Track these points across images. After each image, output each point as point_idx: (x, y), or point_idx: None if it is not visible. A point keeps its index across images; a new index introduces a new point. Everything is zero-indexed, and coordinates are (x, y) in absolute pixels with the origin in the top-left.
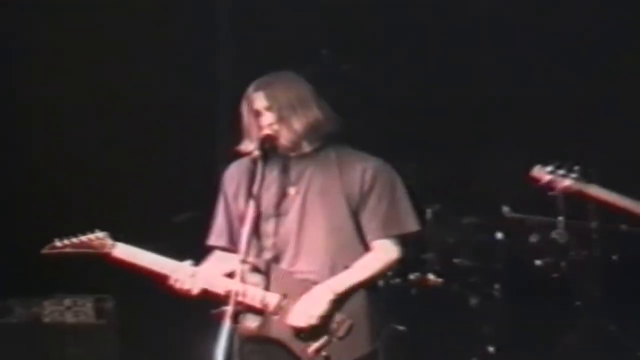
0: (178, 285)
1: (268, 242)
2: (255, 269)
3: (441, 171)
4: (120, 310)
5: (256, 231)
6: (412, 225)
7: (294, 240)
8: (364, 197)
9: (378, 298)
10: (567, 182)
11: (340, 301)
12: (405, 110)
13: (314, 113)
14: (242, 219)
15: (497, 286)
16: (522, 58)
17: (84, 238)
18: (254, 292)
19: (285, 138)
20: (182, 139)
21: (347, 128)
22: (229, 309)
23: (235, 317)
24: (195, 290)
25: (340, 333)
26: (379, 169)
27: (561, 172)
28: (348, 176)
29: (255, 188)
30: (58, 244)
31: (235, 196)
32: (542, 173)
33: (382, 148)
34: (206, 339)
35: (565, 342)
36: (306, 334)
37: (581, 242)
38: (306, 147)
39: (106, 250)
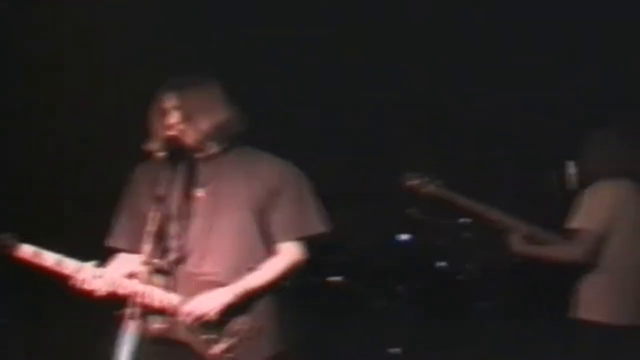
0: (84, 286)
1: (173, 243)
2: (160, 271)
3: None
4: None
5: (161, 233)
6: (319, 227)
7: (199, 243)
8: (270, 199)
9: (285, 300)
10: (429, 188)
11: (245, 303)
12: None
13: (222, 114)
14: (143, 221)
15: (401, 288)
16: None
17: None
18: (158, 294)
19: (191, 138)
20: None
21: (255, 130)
22: (132, 310)
23: (139, 319)
24: (100, 292)
25: (246, 335)
26: (286, 171)
27: (426, 179)
28: (255, 178)
29: (160, 189)
30: None
31: (140, 197)
32: (410, 180)
33: (294, 149)
34: (109, 341)
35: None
36: (213, 337)
37: (487, 244)
38: (213, 149)
39: (9, 250)
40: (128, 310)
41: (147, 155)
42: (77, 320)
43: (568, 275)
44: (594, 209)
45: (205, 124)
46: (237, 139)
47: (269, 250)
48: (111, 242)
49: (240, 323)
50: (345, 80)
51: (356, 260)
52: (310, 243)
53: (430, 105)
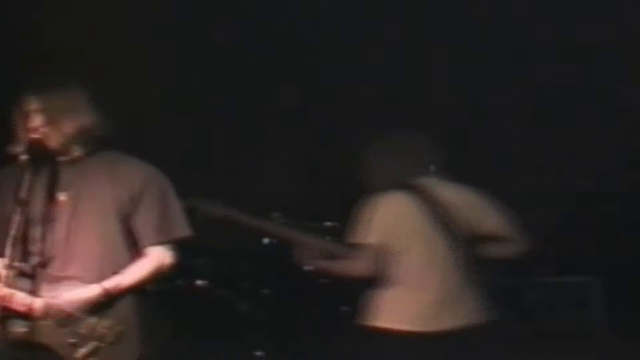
0: None
1: (35, 247)
2: (23, 274)
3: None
4: None
5: (23, 237)
6: (183, 231)
7: (63, 246)
8: (134, 203)
9: (147, 304)
10: (208, 209)
11: (109, 306)
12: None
13: (86, 117)
14: (8, 224)
15: (266, 291)
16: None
17: None
18: (20, 297)
19: (54, 141)
20: None
21: (119, 133)
22: None
23: (2, 323)
24: None
25: (110, 339)
26: (150, 175)
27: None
28: (118, 182)
29: (22, 193)
30: None
31: (4, 201)
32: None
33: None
34: None
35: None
36: (76, 340)
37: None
38: (77, 152)
39: None
40: None
41: (10, 159)
42: None
43: None
44: (372, 223)
45: (68, 127)
46: (101, 143)
47: (134, 254)
48: None
49: (103, 326)
50: None
51: (222, 263)
52: (178, 246)
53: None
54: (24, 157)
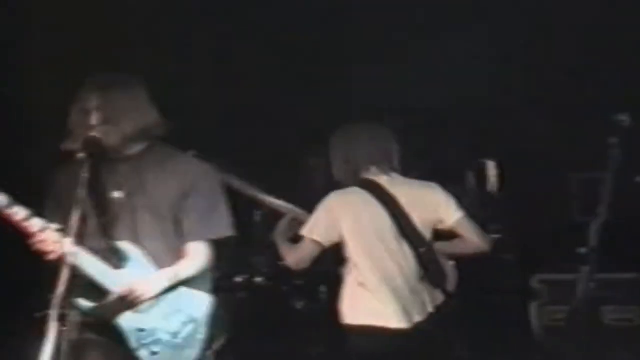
0: (43, 247)
1: (94, 245)
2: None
3: None
4: None
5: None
6: (227, 230)
7: (121, 242)
8: (184, 200)
9: (218, 305)
10: None
11: (181, 300)
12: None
13: (145, 116)
14: (66, 223)
15: (323, 289)
16: None
17: None
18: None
19: (113, 140)
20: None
21: (174, 131)
22: (55, 312)
23: (62, 320)
24: (55, 255)
25: (178, 334)
26: (201, 172)
27: None
28: (171, 178)
29: (80, 191)
30: None
31: (60, 199)
32: None
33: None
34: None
35: None
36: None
37: None
38: (132, 150)
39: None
40: (50, 312)
41: (67, 156)
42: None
43: None
44: (320, 218)
45: (128, 126)
46: (157, 140)
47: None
48: None
49: (174, 318)
50: None
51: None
52: (237, 244)
53: None
54: (81, 155)
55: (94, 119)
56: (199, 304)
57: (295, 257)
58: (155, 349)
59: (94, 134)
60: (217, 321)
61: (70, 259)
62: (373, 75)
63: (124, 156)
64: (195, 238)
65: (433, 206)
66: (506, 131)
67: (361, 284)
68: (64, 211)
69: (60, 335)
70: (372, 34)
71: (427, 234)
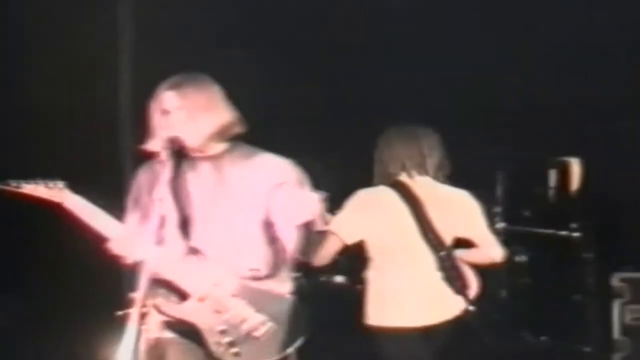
0: (118, 251)
1: (176, 244)
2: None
3: None
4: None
5: (163, 234)
6: (309, 214)
7: (202, 243)
8: (272, 195)
9: (303, 304)
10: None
11: (265, 301)
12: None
13: (223, 115)
14: (148, 221)
15: None
16: None
17: (42, 183)
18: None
19: (193, 139)
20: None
21: (253, 129)
22: (136, 310)
23: (142, 319)
24: (129, 260)
25: (258, 334)
26: (286, 167)
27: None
28: (255, 175)
29: (162, 191)
30: (13, 182)
31: (141, 198)
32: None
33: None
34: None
35: None
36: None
37: None
38: (213, 149)
39: (59, 200)
40: (131, 311)
41: (148, 155)
42: (79, 321)
43: None
44: (345, 216)
45: (207, 124)
46: (237, 139)
47: (273, 249)
48: None
49: (255, 320)
50: None
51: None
52: None
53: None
54: (162, 154)
55: (175, 119)
56: (279, 302)
57: (318, 253)
58: (235, 349)
59: (174, 133)
60: (297, 320)
61: (148, 262)
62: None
63: (205, 155)
64: (285, 226)
65: (457, 213)
66: (589, 129)
67: (384, 284)
68: (145, 212)
69: (139, 334)
70: (442, 33)
71: (448, 239)
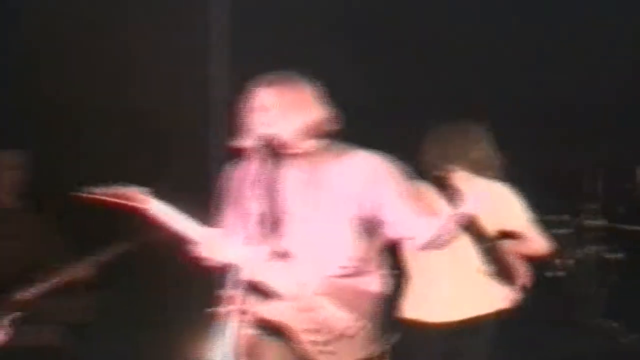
0: (202, 254)
1: (270, 241)
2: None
3: None
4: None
5: (259, 232)
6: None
7: (295, 242)
8: (367, 194)
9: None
10: None
11: (352, 299)
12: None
13: (316, 112)
14: (245, 219)
15: None
16: None
17: (125, 189)
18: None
19: (285, 136)
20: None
21: (348, 127)
22: (227, 308)
23: (232, 317)
24: (216, 262)
25: (349, 332)
26: (381, 162)
27: None
28: (348, 172)
29: (257, 188)
30: (97, 190)
31: (236, 196)
32: None
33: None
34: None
35: None
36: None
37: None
38: (307, 146)
39: (145, 205)
40: (222, 308)
41: (238, 153)
42: (171, 319)
43: None
44: None
45: (299, 121)
46: (330, 136)
47: (364, 247)
48: None
49: (345, 319)
50: None
51: None
52: None
53: None
54: (255, 151)
55: (269, 116)
56: (370, 300)
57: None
58: (330, 347)
59: (268, 130)
60: (389, 316)
61: (236, 264)
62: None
63: (298, 153)
64: (396, 234)
65: (500, 206)
66: None
67: (423, 278)
68: (238, 210)
69: (231, 331)
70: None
71: (492, 231)
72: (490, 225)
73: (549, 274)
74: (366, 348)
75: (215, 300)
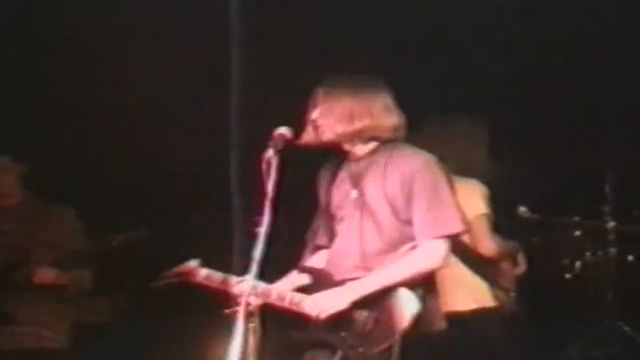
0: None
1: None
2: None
3: None
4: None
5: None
6: (454, 226)
7: (349, 246)
8: (405, 194)
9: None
10: None
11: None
12: None
13: (362, 118)
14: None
15: None
16: None
17: (181, 270)
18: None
19: (325, 136)
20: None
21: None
22: (242, 308)
23: (249, 317)
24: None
25: (366, 328)
26: (420, 164)
27: None
28: (390, 174)
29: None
30: (167, 278)
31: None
32: None
33: None
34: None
35: None
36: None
37: (597, 243)
38: (363, 150)
39: (196, 279)
40: (238, 309)
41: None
42: (186, 320)
43: None
44: None
45: (339, 125)
46: (386, 140)
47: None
48: (318, 241)
49: (363, 316)
50: None
51: None
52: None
53: None
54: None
55: (314, 113)
56: (385, 294)
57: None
58: (360, 349)
59: (311, 126)
60: (401, 308)
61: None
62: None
63: (356, 156)
64: (421, 237)
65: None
66: None
67: None
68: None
69: (247, 332)
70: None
71: None
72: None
73: (567, 275)
74: (380, 341)
75: (230, 300)
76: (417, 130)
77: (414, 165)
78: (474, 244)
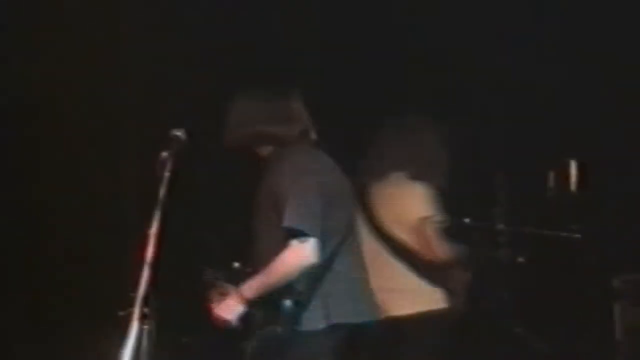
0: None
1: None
2: None
3: None
4: None
5: None
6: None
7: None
8: (278, 196)
9: None
10: None
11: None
12: None
13: (262, 121)
14: None
15: None
16: None
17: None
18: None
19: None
20: None
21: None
22: (137, 310)
23: (143, 318)
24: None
25: None
26: (289, 168)
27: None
28: (272, 176)
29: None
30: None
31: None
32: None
33: None
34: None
35: None
36: None
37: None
38: (263, 151)
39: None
40: (133, 310)
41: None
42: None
43: None
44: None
45: (239, 129)
46: (286, 144)
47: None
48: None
49: None
50: None
51: None
52: None
53: None
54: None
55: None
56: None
57: None
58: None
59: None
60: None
61: None
62: None
63: (264, 160)
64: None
65: (402, 203)
66: (588, 131)
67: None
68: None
69: (141, 334)
70: None
71: (399, 232)
72: (395, 224)
73: None
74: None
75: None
76: (375, 134)
77: (287, 163)
78: (421, 248)
